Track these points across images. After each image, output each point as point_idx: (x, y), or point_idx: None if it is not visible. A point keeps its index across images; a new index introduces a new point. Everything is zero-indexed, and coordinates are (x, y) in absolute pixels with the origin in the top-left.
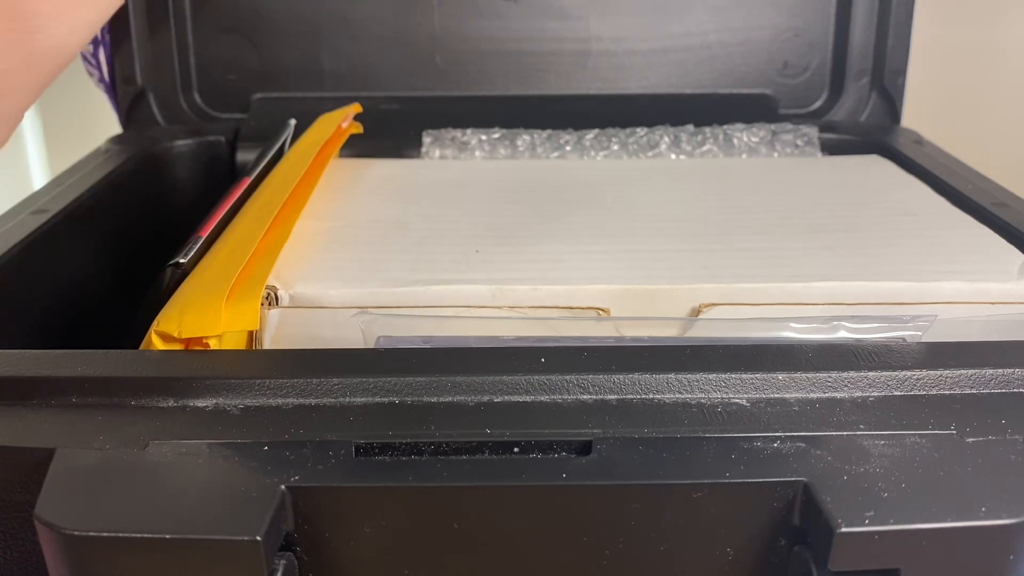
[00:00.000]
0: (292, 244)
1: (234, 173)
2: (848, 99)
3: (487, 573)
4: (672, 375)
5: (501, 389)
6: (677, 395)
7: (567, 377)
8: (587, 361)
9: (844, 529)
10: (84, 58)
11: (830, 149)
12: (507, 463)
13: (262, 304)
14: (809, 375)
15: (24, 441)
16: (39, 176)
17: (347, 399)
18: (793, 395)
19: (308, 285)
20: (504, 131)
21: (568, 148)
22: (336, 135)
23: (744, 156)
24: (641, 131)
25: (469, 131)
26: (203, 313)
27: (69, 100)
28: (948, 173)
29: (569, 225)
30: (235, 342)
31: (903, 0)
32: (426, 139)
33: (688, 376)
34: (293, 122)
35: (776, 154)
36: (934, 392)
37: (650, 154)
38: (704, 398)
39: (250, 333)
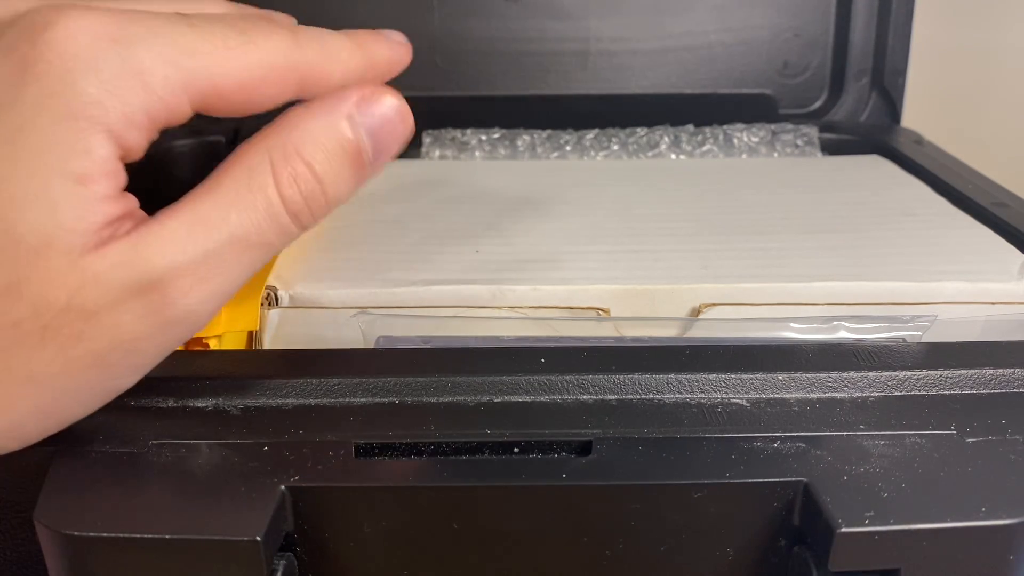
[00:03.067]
0: (292, 244)
1: None
2: (848, 99)
3: (487, 573)
4: (672, 375)
5: (501, 389)
6: (677, 395)
7: (567, 377)
8: (587, 361)
9: (844, 529)
10: None
11: (830, 149)
12: (507, 463)
13: (262, 304)
14: (809, 375)
15: None
16: None
17: (347, 399)
18: (793, 395)
19: (308, 285)
20: (504, 131)
21: (568, 148)
22: None
23: (744, 156)
24: (641, 131)
25: (469, 131)
26: None
27: None
28: (948, 173)
29: (569, 225)
30: (235, 342)
31: (903, 0)
32: (426, 139)
33: (688, 376)
34: None
35: (776, 154)
36: (934, 392)
37: (650, 154)
38: (704, 398)
39: (250, 333)
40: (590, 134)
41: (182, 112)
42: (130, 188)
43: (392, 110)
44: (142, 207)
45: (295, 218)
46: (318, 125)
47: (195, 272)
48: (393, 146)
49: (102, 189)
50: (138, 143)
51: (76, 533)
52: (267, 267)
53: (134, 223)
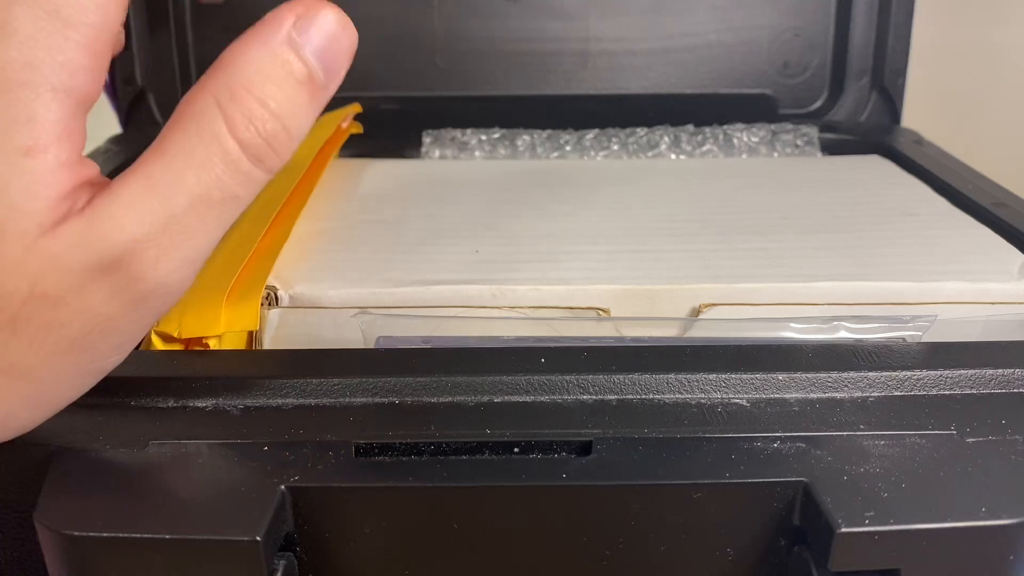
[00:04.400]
0: (292, 244)
1: None
2: (848, 99)
3: (487, 573)
4: (672, 375)
5: (501, 389)
6: (677, 395)
7: (567, 377)
8: (587, 361)
9: (844, 529)
10: None
11: (830, 149)
12: (507, 463)
13: (262, 304)
14: (809, 375)
15: (24, 441)
16: None
17: (347, 399)
18: (793, 395)
19: (308, 285)
20: (504, 131)
21: (568, 148)
22: (336, 135)
23: (744, 156)
24: (641, 131)
25: (469, 131)
26: (203, 313)
27: None
28: (948, 173)
29: (569, 225)
30: (235, 342)
31: (903, 0)
32: (426, 139)
33: (688, 376)
34: None
35: (776, 154)
36: (934, 392)
37: (650, 154)
38: (704, 398)
39: (250, 333)
40: (590, 134)
41: (117, 21)
42: None
43: (333, 24)
44: None
45: (259, 163)
46: (260, 57)
47: (158, 242)
48: (342, 63)
49: (54, 156)
50: (93, 84)
51: (76, 533)
52: (267, 267)
53: (91, 193)
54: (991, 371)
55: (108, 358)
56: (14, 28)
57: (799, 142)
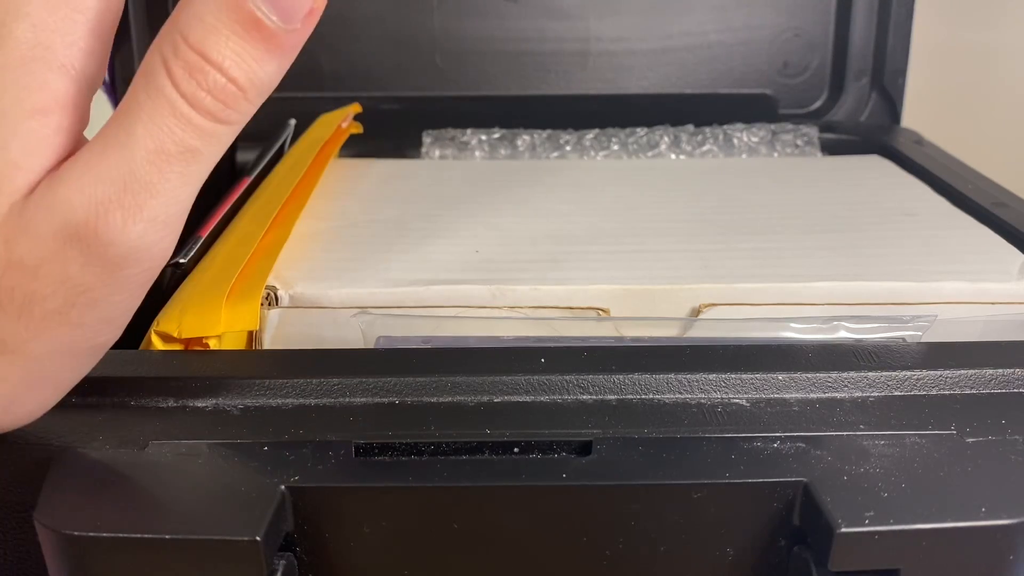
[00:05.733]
0: (292, 244)
1: (234, 173)
2: (848, 99)
3: (487, 573)
4: (672, 375)
5: (501, 389)
6: (677, 395)
7: (567, 377)
8: (587, 361)
9: (844, 529)
10: None
11: (830, 149)
12: (507, 463)
13: (262, 304)
14: (809, 375)
15: (24, 441)
16: None
17: (347, 399)
18: (793, 395)
19: (308, 285)
20: (504, 131)
21: (568, 148)
22: (336, 135)
23: (744, 156)
24: (641, 131)
25: (469, 131)
26: (203, 313)
27: None
28: (948, 173)
29: (569, 225)
30: (235, 342)
31: (903, 0)
32: (426, 139)
33: (688, 376)
34: (293, 122)
35: (776, 154)
36: (934, 392)
37: (650, 154)
38: (704, 398)
39: (250, 333)
40: (590, 134)
41: (120, 5)
42: None
43: None
44: None
45: (211, 116)
46: (204, 5)
47: (121, 203)
48: (301, 2)
49: (57, 121)
50: (98, 67)
51: (76, 533)
52: (267, 267)
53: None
54: (991, 371)
55: (101, 334)
56: (27, 12)
57: (799, 142)
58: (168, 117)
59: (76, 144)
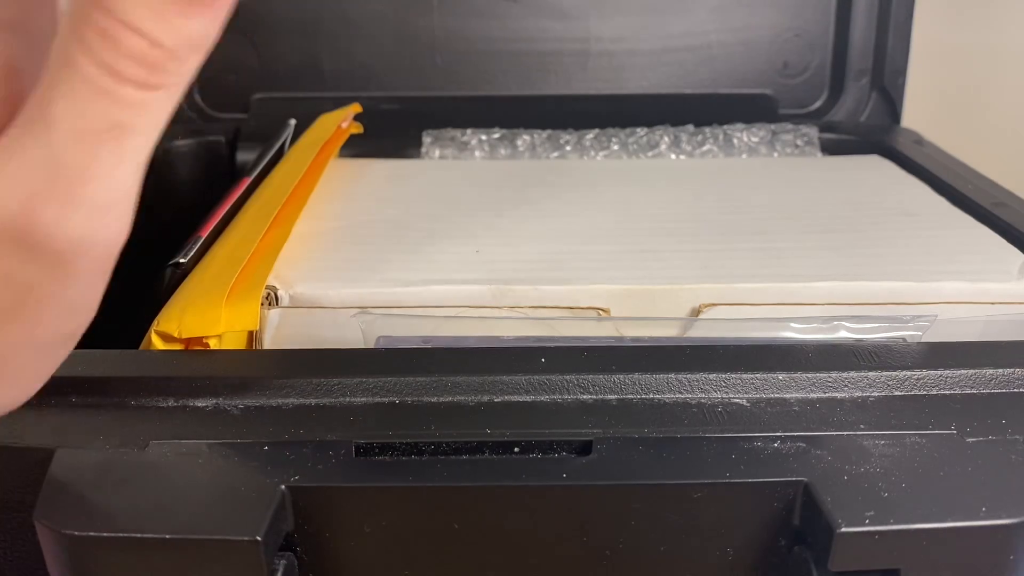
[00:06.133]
0: (292, 244)
1: (234, 173)
2: (848, 99)
3: (487, 573)
4: (672, 375)
5: (501, 389)
6: (677, 395)
7: (567, 377)
8: (587, 361)
9: (844, 529)
10: None
11: (830, 149)
12: (507, 463)
13: (262, 304)
14: (809, 375)
15: (24, 441)
16: None
17: (347, 399)
18: (793, 395)
19: (308, 285)
20: (504, 131)
21: (568, 148)
22: (336, 135)
23: (744, 156)
24: (641, 131)
25: (469, 131)
26: (203, 313)
27: None
28: (948, 173)
29: (569, 225)
30: (235, 342)
31: (903, 0)
32: (426, 139)
33: (688, 376)
34: (293, 122)
35: (776, 154)
36: (934, 392)
37: (650, 154)
38: (704, 398)
39: (250, 333)
40: (590, 134)
41: None
42: None
43: None
44: (143, 209)
45: (135, 84)
46: None
47: (52, 192)
48: None
49: None
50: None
51: (76, 533)
52: (267, 267)
53: None
54: (991, 371)
55: (65, 325)
56: None
57: (799, 142)
58: (86, 92)
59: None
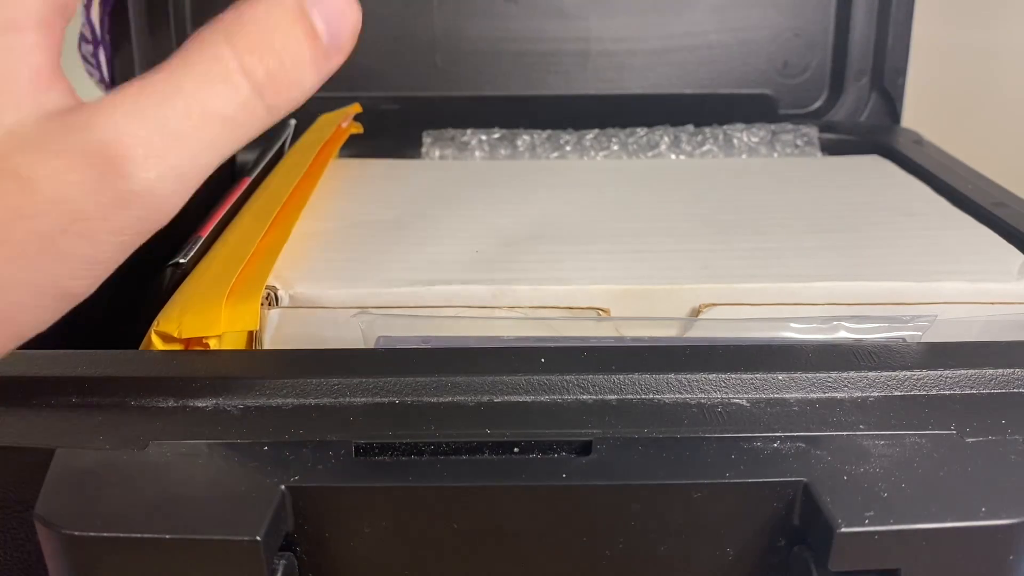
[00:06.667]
0: (292, 244)
1: (234, 173)
2: (848, 99)
3: (487, 573)
4: (672, 375)
5: (501, 389)
6: (677, 395)
7: (567, 377)
8: (587, 361)
9: (844, 529)
10: (84, 59)
11: (830, 149)
12: (507, 463)
13: (262, 304)
14: (809, 375)
15: (24, 441)
16: None
17: (347, 399)
18: (793, 395)
19: (308, 285)
20: (504, 131)
21: (568, 148)
22: (336, 135)
23: (744, 156)
24: (641, 131)
25: (469, 131)
26: (203, 313)
27: None
28: (948, 173)
29: (569, 225)
30: (235, 342)
31: (903, 0)
32: (426, 139)
33: (688, 376)
34: (293, 122)
35: (776, 154)
36: (934, 392)
37: (650, 154)
38: (704, 398)
39: (250, 333)
40: (590, 134)
41: None
42: None
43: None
44: None
45: (259, 94)
46: (270, 7)
47: (150, 142)
48: (347, 37)
49: (33, 38)
50: None
51: (76, 533)
52: (267, 267)
53: (75, 98)
54: (991, 371)
55: (79, 277)
56: None
57: (799, 142)
58: (220, 82)
59: (54, 67)
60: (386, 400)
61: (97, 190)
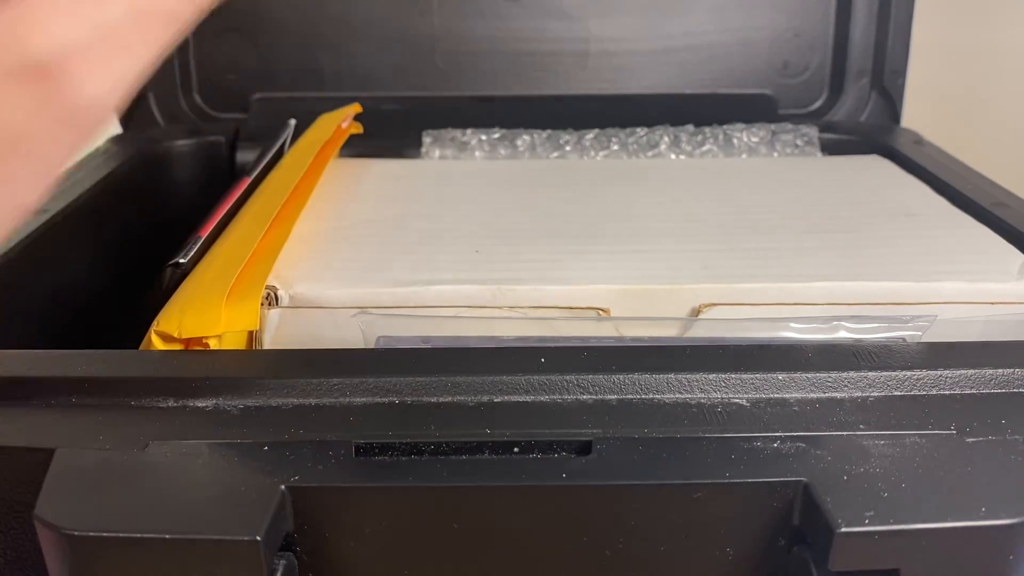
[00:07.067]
0: (292, 244)
1: (234, 173)
2: (848, 99)
3: (487, 573)
4: (672, 375)
5: (501, 389)
6: (677, 395)
7: (567, 377)
8: (587, 361)
9: (844, 529)
10: None
11: (830, 149)
12: (507, 463)
13: (262, 304)
14: (809, 375)
15: (24, 441)
16: None
17: (347, 399)
18: (793, 395)
19: (308, 285)
20: (504, 131)
21: (568, 148)
22: (336, 135)
23: (744, 156)
24: (641, 131)
25: (469, 131)
26: (203, 313)
27: None
28: (948, 173)
29: (569, 225)
30: (235, 342)
31: (903, 0)
32: (426, 139)
33: (688, 376)
34: (293, 122)
35: (776, 154)
36: (934, 392)
37: (650, 154)
38: (704, 398)
39: (250, 333)
40: (590, 134)
41: None
42: (130, 188)
43: None
44: (142, 207)
45: None
46: None
47: (96, 53)
48: None
49: None
50: None
51: (76, 533)
52: (267, 267)
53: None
54: (991, 371)
55: (29, 192)
56: None
57: (799, 142)
58: None
59: None
60: (386, 400)
61: (41, 110)
